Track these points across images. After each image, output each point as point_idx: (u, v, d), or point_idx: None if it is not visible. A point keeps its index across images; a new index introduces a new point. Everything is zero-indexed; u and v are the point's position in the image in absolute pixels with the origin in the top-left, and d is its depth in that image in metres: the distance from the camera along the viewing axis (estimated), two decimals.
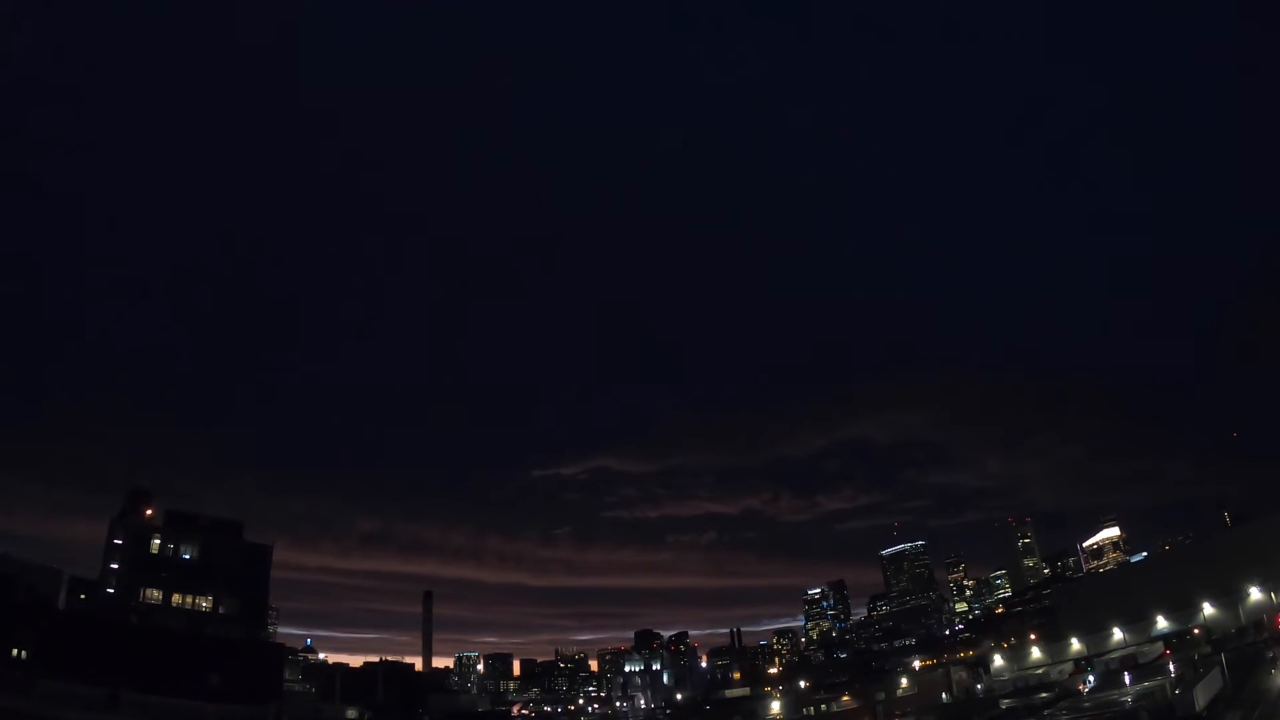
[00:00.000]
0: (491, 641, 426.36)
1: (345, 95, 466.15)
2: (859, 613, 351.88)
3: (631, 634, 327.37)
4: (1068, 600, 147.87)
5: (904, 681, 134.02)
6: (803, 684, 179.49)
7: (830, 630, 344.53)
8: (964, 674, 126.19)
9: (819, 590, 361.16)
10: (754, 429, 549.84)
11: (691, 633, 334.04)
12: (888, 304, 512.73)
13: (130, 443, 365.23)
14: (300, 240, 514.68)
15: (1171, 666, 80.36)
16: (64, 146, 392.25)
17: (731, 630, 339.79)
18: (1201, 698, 57.11)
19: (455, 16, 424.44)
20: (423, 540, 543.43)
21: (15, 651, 75.87)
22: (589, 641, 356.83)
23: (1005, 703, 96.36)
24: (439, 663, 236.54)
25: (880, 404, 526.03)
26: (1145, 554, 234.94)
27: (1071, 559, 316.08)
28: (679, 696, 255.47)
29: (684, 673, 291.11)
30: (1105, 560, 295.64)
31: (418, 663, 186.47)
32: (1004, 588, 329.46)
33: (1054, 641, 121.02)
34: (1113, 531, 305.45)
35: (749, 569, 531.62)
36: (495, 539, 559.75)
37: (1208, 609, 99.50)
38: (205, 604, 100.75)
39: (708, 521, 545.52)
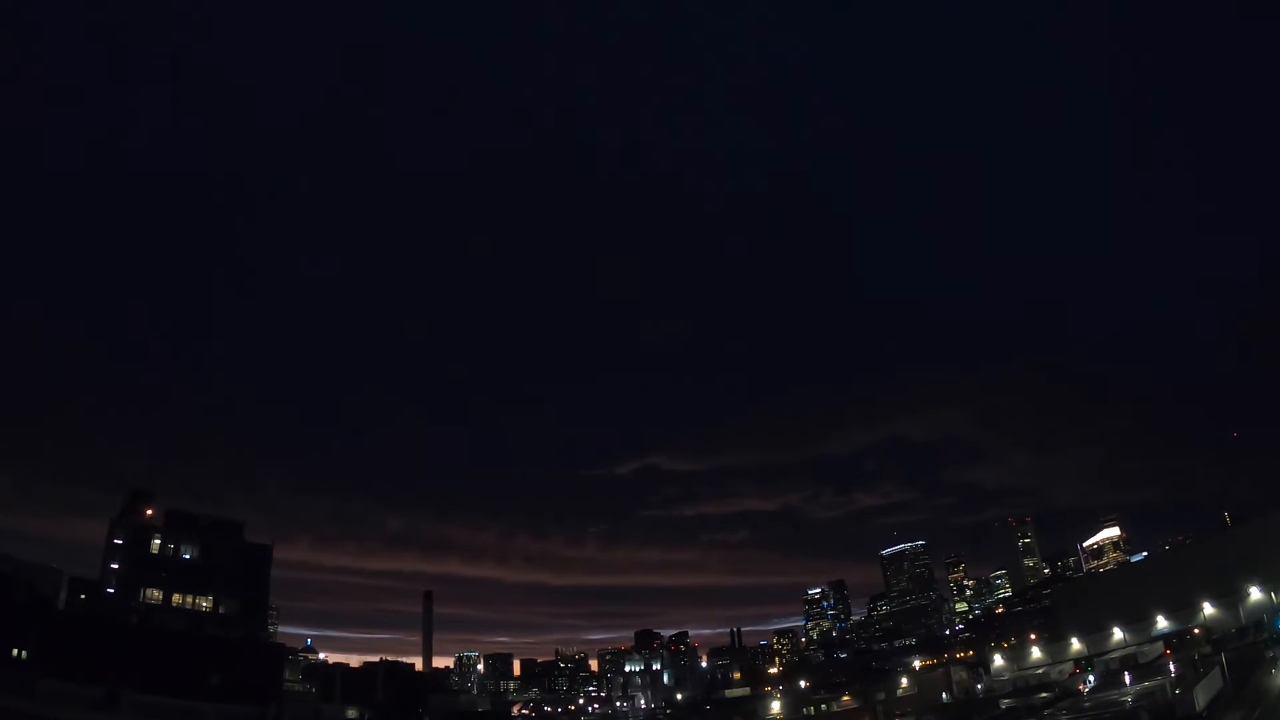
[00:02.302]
0: (503, 641, 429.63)
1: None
2: (859, 613, 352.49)
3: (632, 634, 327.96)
4: (1068, 600, 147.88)
5: (904, 681, 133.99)
6: (803, 684, 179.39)
7: (830, 630, 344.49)
8: (964, 674, 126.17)
9: (819, 590, 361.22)
10: (802, 425, 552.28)
11: (691, 632, 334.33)
12: (927, 304, 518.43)
13: (147, 442, 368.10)
14: (322, 236, 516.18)
15: (1171, 666, 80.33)
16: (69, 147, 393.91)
17: (732, 630, 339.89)
18: (1202, 698, 57.12)
19: None
20: (450, 540, 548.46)
21: (15, 651, 75.87)
22: (600, 641, 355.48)
23: (1005, 703, 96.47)
24: (440, 662, 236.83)
25: (921, 402, 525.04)
26: (1145, 554, 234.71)
27: (1071, 559, 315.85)
28: (679, 696, 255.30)
29: (684, 673, 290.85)
30: (1105, 560, 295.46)
31: (418, 662, 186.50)
32: (1004, 588, 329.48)
33: (1054, 641, 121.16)
34: (1113, 531, 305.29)
35: (770, 567, 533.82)
36: (524, 538, 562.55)
37: (1208, 609, 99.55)
38: (205, 604, 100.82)
39: (741, 519, 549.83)
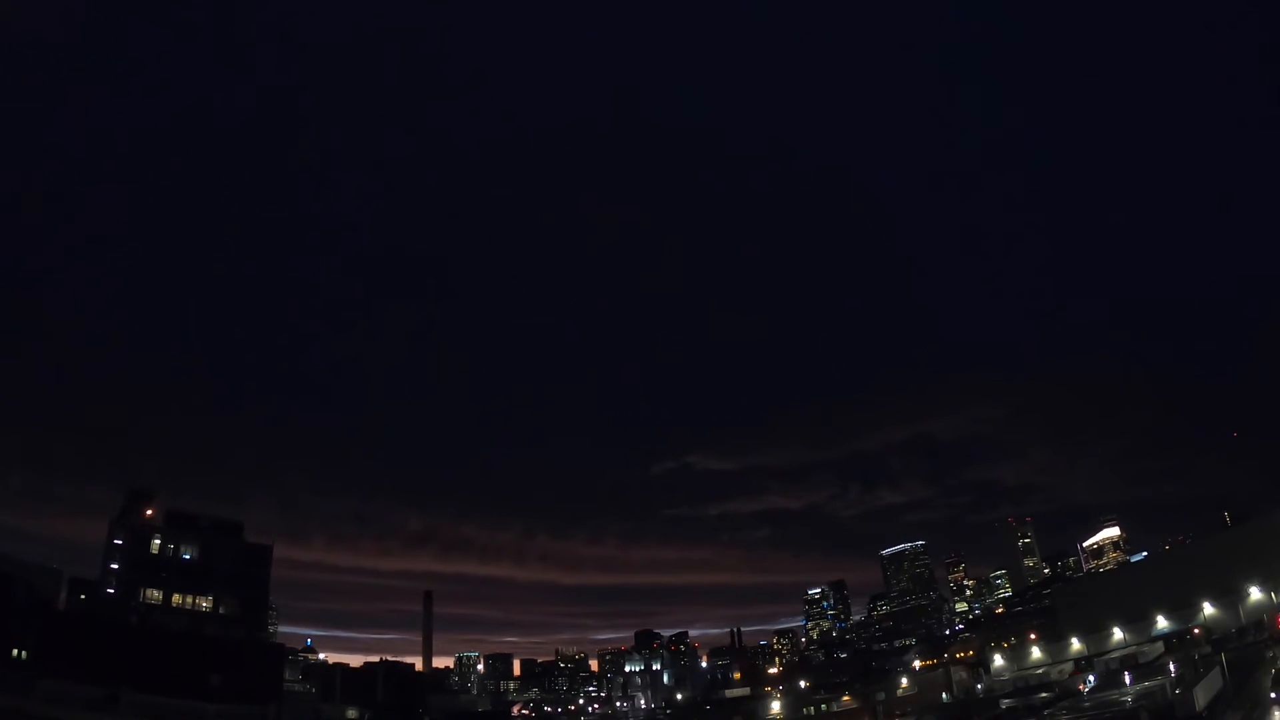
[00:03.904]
0: (510, 640, 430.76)
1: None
2: (859, 613, 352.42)
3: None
4: (1068, 600, 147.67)
5: (904, 681, 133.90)
6: (803, 684, 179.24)
7: (830, 630, 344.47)
8: (964, 674, 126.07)
9: (819, 590, 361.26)
10: (833, 424, 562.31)
11: (691, 633, 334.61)
12: (958, 306, 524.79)
13: (163, 441, 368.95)
14: (336, 236, 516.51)
15: (1171, 666, 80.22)
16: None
17: (732, 630, 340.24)
18: (1201, 698, 57.06)
19: None
20: (468, 540, 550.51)
21: (15, 651, 75.90)
22: (610, 641, 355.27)
23: (1005, 703, 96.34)
24: (441, 662, 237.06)
25: (947, 401, 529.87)
26: (1145, 554, 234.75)
27: (1071, 559, 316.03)
28: (679, 696, 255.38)
29: (684, 673, 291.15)
30: (1105, 560, 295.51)
31: (418, 663, 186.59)
32: (1004, 588, 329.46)
33: (1054, 641, 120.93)
34: (1113, 531, 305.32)
35: (783, 566, 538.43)
36: (543, 538, 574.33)
37: (1208, 609, 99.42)
38: (205, 604, 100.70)
39: (762, 518, 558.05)
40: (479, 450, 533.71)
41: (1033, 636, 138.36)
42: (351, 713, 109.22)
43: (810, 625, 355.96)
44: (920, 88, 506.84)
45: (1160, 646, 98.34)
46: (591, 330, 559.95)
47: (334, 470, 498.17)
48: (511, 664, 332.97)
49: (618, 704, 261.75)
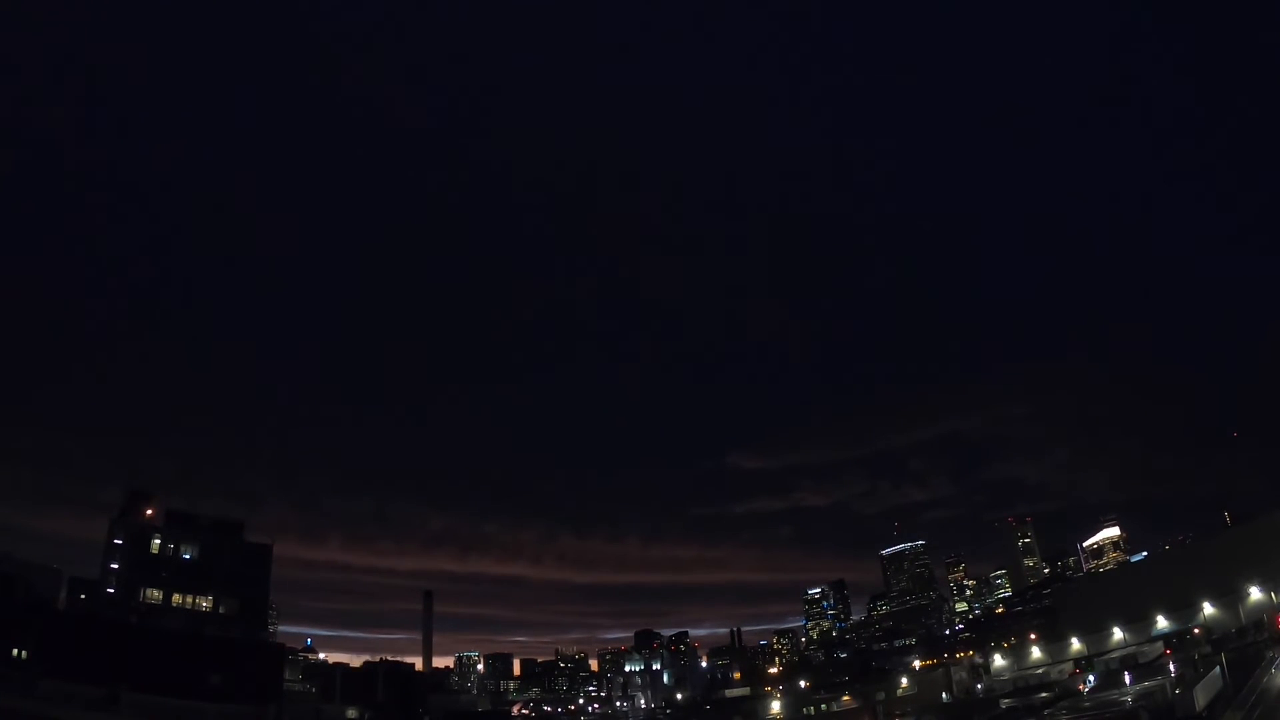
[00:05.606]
0: (519, 640, 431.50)
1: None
2: (859, 613, 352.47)
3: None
4: (1068, 600, 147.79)
5: (904, 681, 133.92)
6: (803, 684, 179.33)
7: (830, 630, 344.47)
8: (964, 674, 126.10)
9: (819, 590, 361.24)
10: (864, 423, 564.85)
11: (691, 632, 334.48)
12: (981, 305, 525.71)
13: (179, 441, 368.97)
14: (350, 236, 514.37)
15: (1171, 666, 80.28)
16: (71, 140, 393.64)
17: (731, 630, 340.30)
18: (1201, 698, 57.06)
19: None
20: (487, 540, 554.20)
21: (15, 651, 75.99)
22: (618, 640, 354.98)
23: (1005, 703, 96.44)
24: (440, 662, 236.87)
25: (974, 400, 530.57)
26: (1145, 554, 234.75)
27: (1071, 559, 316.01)
28: (679, 696, 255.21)
29: (684, 672, 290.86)
30: (1105, 560, 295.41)
31: (419, 662, 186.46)
32: (1004, 588, 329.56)
33: (1054, 641, 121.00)
34: (1113, 531, 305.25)
35: (797, 564, 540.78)
36: (566, 537, 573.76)
37: (1208, 609, 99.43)
38: (205, 604, 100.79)
39: (781, 517, 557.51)
40: (507, 451, 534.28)
41: (1033, 636, 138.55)
42: (351, 712, 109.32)
43: (810, 625, 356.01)
44: (930, 87, 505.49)
45: (1160, 646, 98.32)
46: (631, 332, 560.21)
47: (355, 470, 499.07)
48: (511, 663, 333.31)
49: (618, 704, 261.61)
